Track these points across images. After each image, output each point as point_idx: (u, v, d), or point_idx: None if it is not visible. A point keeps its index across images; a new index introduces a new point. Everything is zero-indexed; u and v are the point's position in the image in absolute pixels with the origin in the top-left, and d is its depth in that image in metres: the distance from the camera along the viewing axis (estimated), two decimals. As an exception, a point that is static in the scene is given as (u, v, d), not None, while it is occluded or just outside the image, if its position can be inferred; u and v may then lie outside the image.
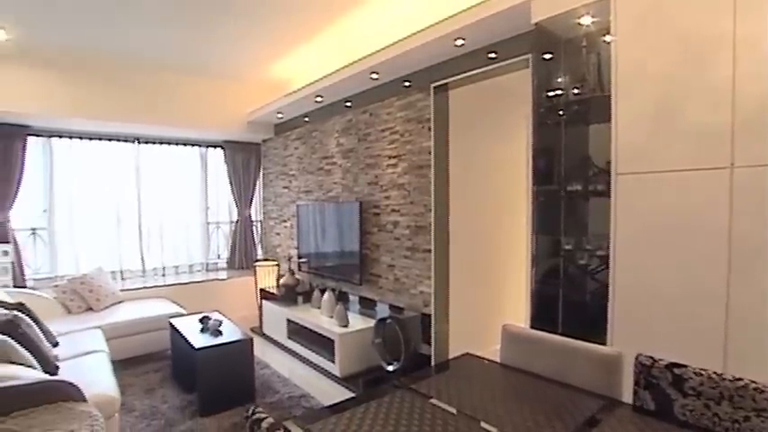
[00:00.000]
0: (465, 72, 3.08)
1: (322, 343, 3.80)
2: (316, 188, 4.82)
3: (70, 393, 2.06)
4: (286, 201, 5.46)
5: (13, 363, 2.22)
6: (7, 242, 4.22)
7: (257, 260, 5.73)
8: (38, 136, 4.57)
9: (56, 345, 3.07)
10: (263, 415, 1.00)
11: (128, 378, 3.52)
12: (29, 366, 2.28)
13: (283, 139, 5.44)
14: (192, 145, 5.61)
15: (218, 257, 5.94)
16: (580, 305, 2.32)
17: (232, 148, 5.75)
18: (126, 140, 5.11)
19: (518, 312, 3.64)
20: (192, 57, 4.20)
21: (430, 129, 3.35)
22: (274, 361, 4.08)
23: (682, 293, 1.77)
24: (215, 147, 5.76)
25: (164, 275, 5.42)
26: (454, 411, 1.35)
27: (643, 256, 1.90)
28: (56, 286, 4.27)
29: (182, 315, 4.06)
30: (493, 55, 2.88)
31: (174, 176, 5.50)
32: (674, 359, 1.38)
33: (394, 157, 3.73)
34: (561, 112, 2.38)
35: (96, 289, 4.29)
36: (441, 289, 3.38)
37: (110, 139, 5.00)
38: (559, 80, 2.38)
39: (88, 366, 2.77)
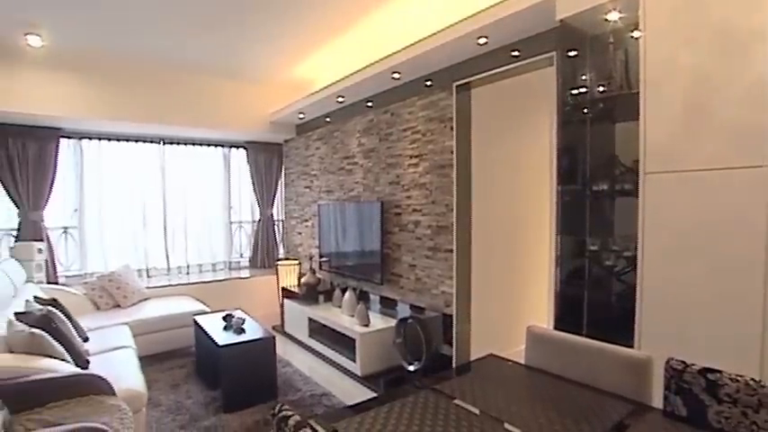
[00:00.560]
0: (488, 71, 3.05)
1: (343, 342, 3.82)
2: (337, 188, 4.85)
3: (101, 387, 2.12)
4: (307, 200, 5.50)
5: (48, 356, 2.29)
6: (41, 240, 4.37)
7: (279, 259, 5.80)
8: (69, 138, 4.71)
9: (86, 340, 3.16)
10: (290, 412, 1.01)
11: (153, 374, 3.61)
12: (62, 360, 2.35)
13: (305, 139, 5.49)
14: (216, 145, 5.71)
15: (241, 256, 6.02)
16: (605, 307, 2.27)
17: (254, 149, 5.83)
18: (152, 141, 5.24)
19: (540, 313, 3.59)
20: (216, 59, 4.28)
21: (452, 128, 3.33)
22: (296, 359, 4.12)
23: (714, 298, 1.72)
24: (238, 147, 5.85)
25: (188, 273, 5.53)
26: (478, 412, 1.34)
27: (673, 258, 1.84)
28: (85, 283, 4.41)
29: (205, 313, 4.13)
30: (516, 53, 2.85)
31: (197, 176, 5.60)
32: (706, 365, 1.33)
33: (415, 156, 3.72)
34: (586, 111, 2.34)
35: (123, 286, 4.41)
36: (462, 289, 3.36)
37: (136, 141, 5.13)
38: (584, 78, 2.34)
39: (117, 361, 2.84)
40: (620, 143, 2.26)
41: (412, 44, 3.15)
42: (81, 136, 4.78)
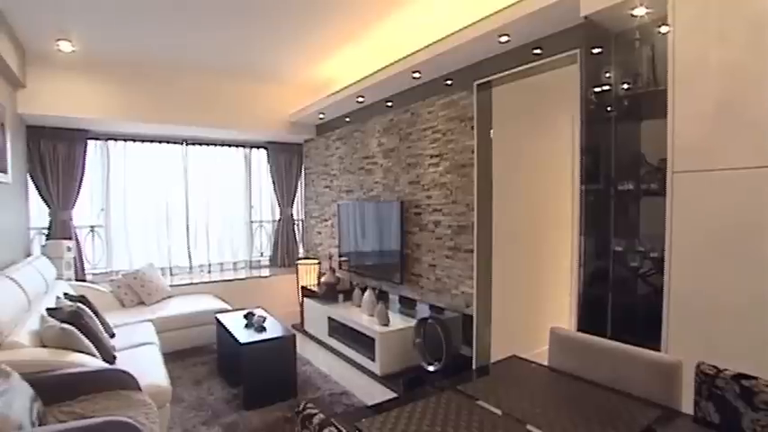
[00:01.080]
0: (509, 69, 3.01)
1: (362, 341, 3.83)
2: (357, 188, 4.86)
3: (127, 382, 2.17)
4: (327, 200, 5.53)
5: (77, 351, 2.36)
6: (70, 239, 4.50)
7: (299, 258, 5.85)
8: (96, 139, 4.84)
9: (112, 336, 3.24)
10: (314, 411, 1.01)
11: (176, 370, 3.68)
12: (91, 355, 2.42)
13: (325, 139, 5.52)
14: (237, 146, 5.79)
15: (261, 255, 6.09)
16: (630, 309, 2.22)
17: (275, 149, 5.89)
18: (175, 142, 5.35)
19: (562, 315, 3.54)
20: (238, 61, 4.33)
21: (473, 127, 3.30)
22: (315, 358, 4.15)
23: (745, 301, 1.65)
24: (258, 147, 5.92)
25: (209, 272, 5.62)
26: (501, 414, 1.32)
27: (702, 259, 1.79)
28: (111, 281, 4.53)
29: (227, 311, 4.20)
30: (538, 51, 2.81)
31: (219, 176, 5.68)
32: (738, 370, 1.29)
33: (436, 156, 3.70)
34: (610, 108, 2.29)
35: (147, 284, 4.51)
36: (483, 290, 3.33)
37: (160, 141, 5.24)
38: (609, 75, 2.29)
39: (142, 357, 2.90)
40: (646, 142, 2.21)
41: (432, 43, 3.14)
42: (107, 137, 4.91)
